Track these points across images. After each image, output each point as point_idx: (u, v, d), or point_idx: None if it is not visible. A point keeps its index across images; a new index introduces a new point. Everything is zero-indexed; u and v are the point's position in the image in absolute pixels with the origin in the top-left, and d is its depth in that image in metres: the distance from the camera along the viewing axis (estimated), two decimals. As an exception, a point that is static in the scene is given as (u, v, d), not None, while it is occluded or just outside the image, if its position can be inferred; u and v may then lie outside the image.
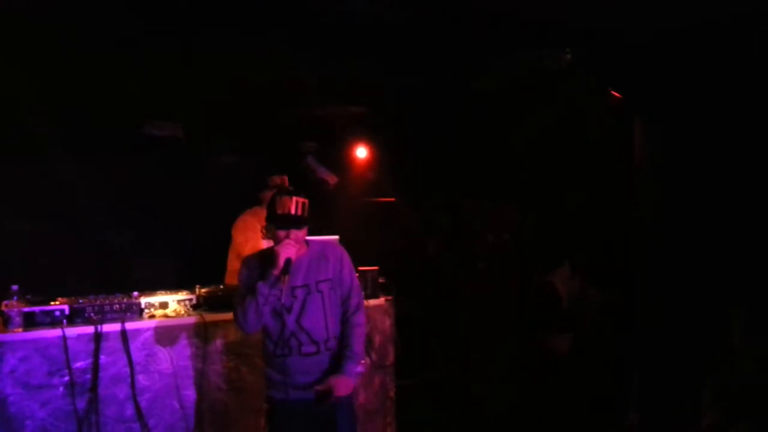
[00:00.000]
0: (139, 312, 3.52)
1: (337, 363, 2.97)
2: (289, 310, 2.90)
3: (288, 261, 2.81)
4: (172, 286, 3.87)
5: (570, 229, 5.28)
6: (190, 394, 3.51)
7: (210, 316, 3.58)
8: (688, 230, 3.57)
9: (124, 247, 4.94)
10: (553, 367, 5.09)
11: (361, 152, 6.44)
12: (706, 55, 3.47)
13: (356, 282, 3.14)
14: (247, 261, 3.05)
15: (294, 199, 2.87)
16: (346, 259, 3.11)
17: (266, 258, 2.94)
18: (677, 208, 3.68)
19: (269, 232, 2.95)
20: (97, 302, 3.42)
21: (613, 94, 4.00)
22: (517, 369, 5.28)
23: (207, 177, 4.64)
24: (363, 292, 3.29)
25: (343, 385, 2.93)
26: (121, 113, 4.91)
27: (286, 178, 4.63)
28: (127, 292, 3.59)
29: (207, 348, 3.54)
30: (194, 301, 3.73)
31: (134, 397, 3.34)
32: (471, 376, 5.81)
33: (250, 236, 4.51)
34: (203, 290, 3.79)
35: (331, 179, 6.17)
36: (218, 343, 3.58)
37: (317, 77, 4.90)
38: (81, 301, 3.42)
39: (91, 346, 3.28)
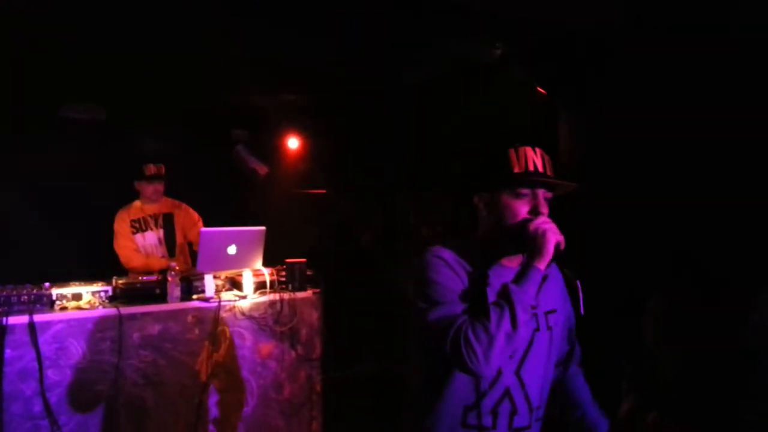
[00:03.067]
0: (50, 304, 3.37)
1: None
2: (512, 353, 1.74)
3: (558, 248, 1.67)
4: (88, 277, 3.71)
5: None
6: (105, 389, 3.36)
7: (127, 309, 3.44)
8: (609, 221, 3.66)
9: (38, 235, 4.70)
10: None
11: (293, 142, 6.34)
12: (629, 51, 3.56)
13: None
14: (442, 255, 1.75)
15: (538, 151, 1.76)
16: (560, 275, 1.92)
17: (477, 249, 1.80)
18: (597, 203, 3.77)
19: (486, 205, 1.79)
20: (4, 293, 3.25)
21: (539, 90, 4.06)
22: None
23: (129, 163, 4.45)
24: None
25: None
26: (36, 93, 4.66)
27: (162, 167, 4.47)
28: (38, 282, 3.42)
29: (123, 342, 3.39)
30: (110, 293, 3.59)
31: (43, 393, 3.18)
32: (405, 368, 5.81)
33: (121, 244, 4.38)
34: (120, 282, 3.65)
35: (262, 169, 6.04)
36: (135, 336, 3.44)
37: (248, 63, 4.78)
38: (-14, 291, 3.24)
39: (-5, 339, 3.10)
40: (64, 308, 3.37)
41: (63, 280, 3.59)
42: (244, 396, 3.81)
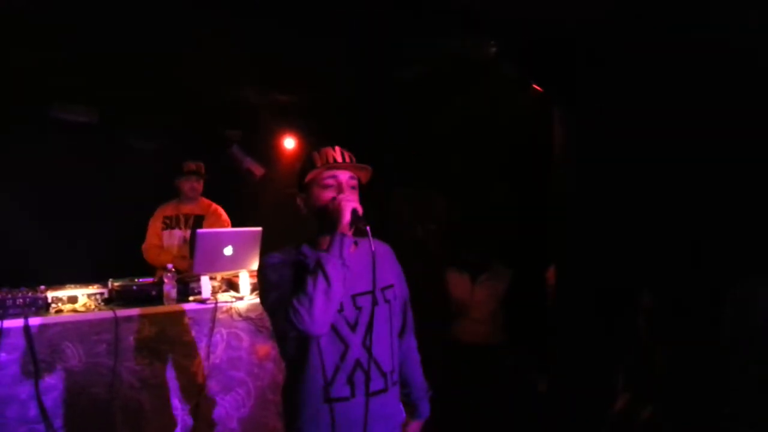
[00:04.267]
0: (46, 307, 3.35)
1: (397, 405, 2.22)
2: (354, 326, 2.04)
3: (355, 213, 1.95)
4: (84, 280, 3.69)
5: (495, 221, 5.30)
6: (101, 392, 3.34)
7: (122, 311, 3.42)
8: (604, 217, 3.66)
9: (33, 237, 4.68)
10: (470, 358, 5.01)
11: (289, 143, 6.32)
12: (625, 49, 3.56)
13: None
14: (270, 261, 2.07)
15: (337, 148, 2.10)
16: (395, 257, 2.34)
17: (297, 249, 2.11)
18: (591, 199, 3.77)
19: (304, 201, 2.11)
20: (-2, 297, 3.23)
21: (534, 87, 4.06)
22: (437, 358, 5.27)
23: (124, 164, 4.45)
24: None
25: None
26: (26, 93, 4.63)
27: (202, 165, 4.53)
28: (34, 285, 3.41)
29: (119, 344, 3.37)
30: (106, 296, 3.58)
31: (38, 397, 3.16)
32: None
33: (147, 241, 4.51)
34: (116, 284, 3.63)
35: (258, 170, 6.03)
36: (131, 339, 3.42)
37: (243, 63, 4.77)
38: (-20, 295, 3.22)
39: (-10, 343, 3.08)
40: (59, 311, 3.35)
41: (58, 282, 3.58)
42: (242, 398, 3.80)
